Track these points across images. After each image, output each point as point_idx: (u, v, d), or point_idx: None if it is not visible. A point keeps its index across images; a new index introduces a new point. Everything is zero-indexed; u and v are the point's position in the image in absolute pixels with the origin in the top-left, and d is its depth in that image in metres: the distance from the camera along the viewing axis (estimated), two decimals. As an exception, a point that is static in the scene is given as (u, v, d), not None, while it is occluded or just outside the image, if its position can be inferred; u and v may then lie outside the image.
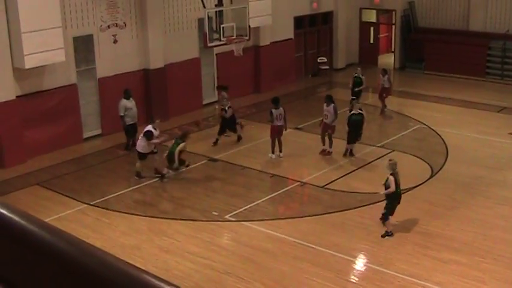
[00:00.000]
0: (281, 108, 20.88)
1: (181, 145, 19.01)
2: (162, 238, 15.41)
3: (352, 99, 24.04)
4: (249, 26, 25.38)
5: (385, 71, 26.02)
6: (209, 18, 23.15)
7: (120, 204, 17.46)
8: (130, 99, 21.61)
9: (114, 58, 23.30)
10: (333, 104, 21.02)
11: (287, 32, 31.04)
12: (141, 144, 18.89)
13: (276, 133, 20.80)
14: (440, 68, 33.15)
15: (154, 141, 19.02)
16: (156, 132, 18.98)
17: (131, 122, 21.53)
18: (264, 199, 17.59)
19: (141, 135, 18.98)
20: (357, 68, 27.12)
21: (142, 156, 18.99)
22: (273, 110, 20.84)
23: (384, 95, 25.93)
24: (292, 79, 31.15)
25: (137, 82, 24.10)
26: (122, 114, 21.36)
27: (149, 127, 18.97)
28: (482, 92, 29.76)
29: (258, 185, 18.87)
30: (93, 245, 2.22)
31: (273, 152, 20.92)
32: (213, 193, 18.26)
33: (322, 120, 21.18)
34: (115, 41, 23.33)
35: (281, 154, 20.87)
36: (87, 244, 2.19)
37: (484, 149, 21.77)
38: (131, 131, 21.53)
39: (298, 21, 31.98)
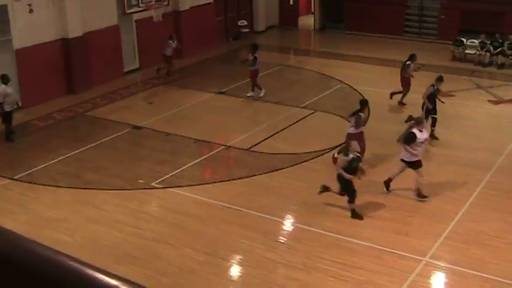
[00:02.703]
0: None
1: None
2: (89, 209, 15.27)
3: None
4: (168, -9, 25.17)
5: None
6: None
7: (45, 177, 17.17)
8: (9, 84, 19.56)
9: (31, 28, 22.65)
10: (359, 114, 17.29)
11: (207, -4, 30.78)
12: None
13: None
14: (360, 27, 33.53)
15: None
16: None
17: (10, 109, 19.51)
18: (189, 164, 17.59)
19: None
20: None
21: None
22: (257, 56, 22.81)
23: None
24: (214, 43, 30.98)
25: (56, 52, 23.57)
26: (1, 101, 19.19)
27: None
28: (401, 50, 30.15)
29: (183, 150, 18.83)
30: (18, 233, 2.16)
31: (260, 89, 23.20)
32: (138, 161, 18.14)
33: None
34: (31, 10, 22.62)
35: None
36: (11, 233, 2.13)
37: (409, 107, 22.20)
38: (10, 118, 19.60)
39: (217, -15, 31.75)
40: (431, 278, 12.37)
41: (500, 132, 20.10)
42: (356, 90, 23.86)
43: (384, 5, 33.19)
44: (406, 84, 22.41)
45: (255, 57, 22.63)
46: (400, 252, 13.03)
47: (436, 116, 19.17)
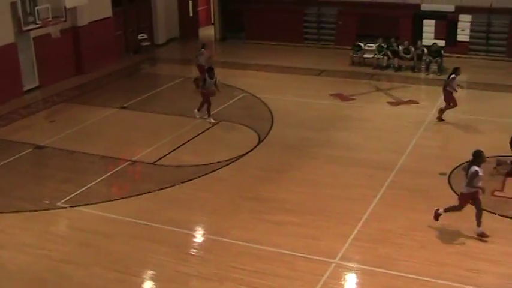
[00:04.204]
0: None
1: None
2: (-7, 233, 14.82)
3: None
4: (65, 7, 24.74)
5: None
6: (22, 1, 22.30)
7: None
8: None
9: None
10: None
11: (105, 10, 30.33)
12: None
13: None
14: (261, 36, 33.88)
15: None
16: None
17: None
18: (95, 182, 17.29)
19: None
20: None
21: None
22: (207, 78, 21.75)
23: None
24: (114, 58, 30.60)
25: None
26: None
27: None
28: (301, 57, 30.80)
29: (88, 168, 18.50)
30: None
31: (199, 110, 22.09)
32: (42, 181, 17.70)
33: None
34: None
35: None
36: None
37: (307, 112, 22.58)
38: None
39: (116, -1, 31.39)
40: (342, 279, 12.55)
41: (401, 132, 20.66)
42: (259, 98, 24.07)
43: (282, 14, 33.66)
44: (450, 98, 21.63)
45: (204, 79, 21.98)
46: (310, 256, 13.18)
47: None
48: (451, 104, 21.59)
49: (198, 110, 21.98)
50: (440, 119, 21.60)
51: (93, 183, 17.20)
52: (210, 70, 21.95)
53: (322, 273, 12.53)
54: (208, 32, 37.21)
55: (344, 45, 31.64)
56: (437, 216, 14.38)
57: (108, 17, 30.58)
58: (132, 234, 14.37)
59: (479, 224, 13.90)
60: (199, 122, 21.68)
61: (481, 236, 13.86)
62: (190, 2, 36.57)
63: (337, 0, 32.99)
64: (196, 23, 37.26)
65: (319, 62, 29.44)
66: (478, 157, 13.77)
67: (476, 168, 13.61)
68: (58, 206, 15.96)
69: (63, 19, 26.00)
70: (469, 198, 13.92)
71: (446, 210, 14.29)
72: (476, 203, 13.91)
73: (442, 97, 21.94)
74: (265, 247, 13.58)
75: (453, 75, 21.48)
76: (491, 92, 25.29)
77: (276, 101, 22.54)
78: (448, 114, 21.53)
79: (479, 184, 13.71)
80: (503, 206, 15.42)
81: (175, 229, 14.50)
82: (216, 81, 21.97)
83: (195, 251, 13.83)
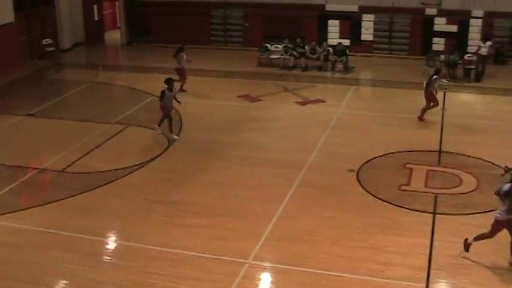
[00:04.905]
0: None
1: None
2: None
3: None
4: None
5: None
6: None
7: None
8: None
9: None
10: None
11: (7, 15, 29.51)
12: None
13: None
14: (168, 39, 33.69)
15: None
16: None
17: None
18: (2, 192, 16.86)
19: None
20: None
21: None
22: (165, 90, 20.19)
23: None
24: (19, 64, 29.87)
25: None
26: None
27: None
28: (209, 59, 30.87)
29: (-7, 178, 18.06)
30: None
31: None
32: None
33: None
34: None
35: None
36: None
37: (216, 114, 22.67)
38: None
39: (18, 4, 30.56)
40: (256, 279, 12.65)
41: (309, 131, 21.00)
42: (168, 102, 23.99)
43: (189, 16, 33.66)
44: (431, 98, 21.79)
45: (163, 92, 20.33)
46: (224, 258, 13.24)
47: None
48: (432, 103, 21.93)
49: (158, 125, 20.60)
50: (421, 119, 21.88)
51: (0, 193, 16.79)
52: (170, 81, 20.52)
53: (236, 274, 12.61)
54: (114, 36, 36.84)
55: (251, 47, 31.91)
56: (467, 247, 13.11)
57: (11, 22, 29.82)
58: (42, 244, 14.10)
59: None
60: (108, 127, 21.44)
61: None
62: (95, 6, 36.09)
63: (243, 2, 33.22)
64: (102, 27, 36.80)
65: (227, 63, 29.56)
66: None
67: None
68: (-37, 218, 15.51)
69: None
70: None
71: (476, 238, 13.02)
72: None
73: (424, 96, 22.12)
74: (178, 250, 13.57)
75: (435, 76, 21.95)
76: (395, 89, 25.98)
77: (185, 104, 22.46)
78: (356, 112, 22.01)
79: None
80: (409, 200, 15.87)
81: (87, 237, 14.31)
82: (175, 94, 20.73)
83: (107, 258, 13.69)
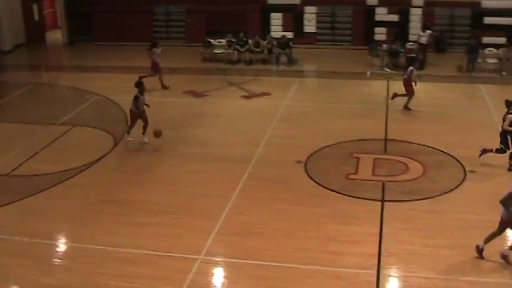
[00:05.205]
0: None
1: None
2: None
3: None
4: None
5: None
6: None
7: None
8: None
9: None
10: None
11: None
12: None
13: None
14: (110, 38, 33.53)
15: None
16: None
17: None
18: None
19: None
20: None
21: None
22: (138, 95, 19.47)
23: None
24: (-42, 68, 29.35)
25: None
26: None
27: None
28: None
29: None
30: None
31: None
32: None
33: None
34: None
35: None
36: None
37: (162, 111, 22.53)
38: None
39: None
40: (209, 274, 12.67)
41: (256, 124, 21.08)
42: (112, 100, 23.84)
43: (131, 14, 33.42)
44: (407, 87, 22.28)
45: (136, 97, 19.59)
46: (175, 255, 13.22)
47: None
48: (407, 92, 22.29)
49: (142, 133, 19.71)
50: (393, 97, 22.44)
51: None
52: (141, 85, 19.83)
53: (189, 271, 12.61)
54: (56, 35, 36.36)
55: (195, 42, 31.85)
56: (480, 252, 12.67)
57: None
58: (-9, 250, 13.90)
59: None
60: (53, 128, 21.16)
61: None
62: (35, 6, 35.50)
63: (185, -2, 33.20)
64: (43, 27, 36.27)
65: (171, 60, 29.40)
66: None
67: None
68: None
69: None
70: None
71: (486, 241, 12.64)
72: None
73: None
74: (129, 250, 13.50)
75: (411, 68, 22.41)
76: (339, 80, 26.24)
77: (129, 102, 22.32)
78: (302, 104, 22.16)
79: None
80: (357, 188, 16.08)
81: (37, 240, 14.12)
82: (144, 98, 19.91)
83: (58, 260, 13.54)
